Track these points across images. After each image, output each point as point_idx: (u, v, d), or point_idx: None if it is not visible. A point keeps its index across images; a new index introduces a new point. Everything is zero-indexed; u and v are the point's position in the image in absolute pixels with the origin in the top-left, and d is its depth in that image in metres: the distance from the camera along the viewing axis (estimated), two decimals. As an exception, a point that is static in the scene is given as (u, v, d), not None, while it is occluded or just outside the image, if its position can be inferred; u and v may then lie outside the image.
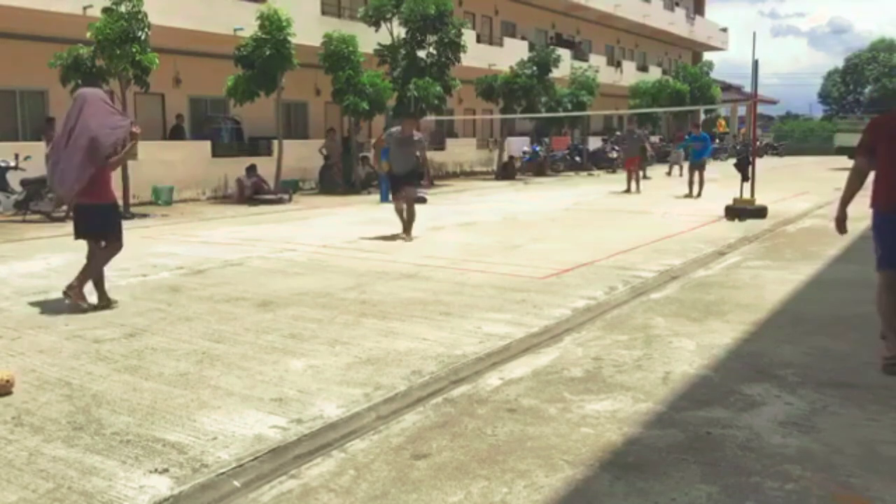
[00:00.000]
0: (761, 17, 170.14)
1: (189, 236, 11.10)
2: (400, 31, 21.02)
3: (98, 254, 6.22)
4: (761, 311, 6.19)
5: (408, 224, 10.41)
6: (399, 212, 10.51)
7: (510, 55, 27.58)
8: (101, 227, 6.21)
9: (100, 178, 6.05)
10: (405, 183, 10.42)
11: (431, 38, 20.90)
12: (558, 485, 3.13)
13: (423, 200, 16.59)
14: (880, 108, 51.46)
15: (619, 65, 39.78)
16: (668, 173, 26.00)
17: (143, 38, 12.93)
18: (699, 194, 16.72)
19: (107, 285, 6.27)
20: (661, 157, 30.45)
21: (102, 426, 3.70)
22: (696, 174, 17.11)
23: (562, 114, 26.42)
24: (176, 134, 19.11)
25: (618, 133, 22.19)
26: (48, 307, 6.19)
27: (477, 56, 25.60)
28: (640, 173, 19.75)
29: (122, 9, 12.87)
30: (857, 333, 5.51)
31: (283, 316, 5.97)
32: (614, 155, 28.09)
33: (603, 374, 4.57)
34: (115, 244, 6.29)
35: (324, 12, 22.10)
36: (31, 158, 13.31)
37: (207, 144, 18.47)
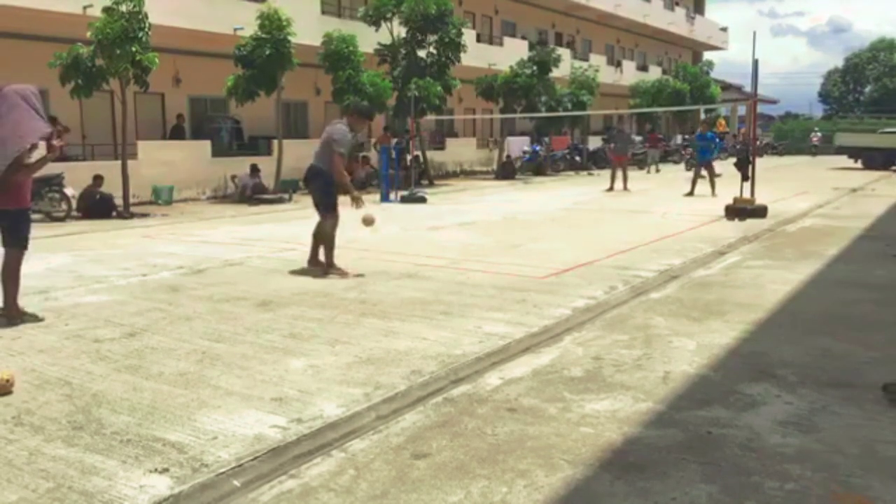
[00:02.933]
0: (760, 16, 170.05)
1: (189, 236, 11.10)
2: (400, 31, 21.03)
3: (7, 262, 5.77)
4: (761, 310, 6.19)
5: (327, 252, 7.68)
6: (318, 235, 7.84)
7: (510, 55, 27.58)
8: (8, 232, 5.70)
9: (11, 183, 5.52)
10: (319, 203, 7.68)
11: (432, 38, 20.91)
12: (558, 484, 3.13)
13: (422, 200, 16.63)
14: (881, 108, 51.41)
15: (619, 64, 39.79)
16: (648, 172, 27.69)
17: (143, 37, 12.93)
18: (713, 192, 16.29)
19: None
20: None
21: (102, 426, 3.70)
22: (705, 172, 16.89)
23: (562, 113, 26.44)
24: (176, 134, 19.07)
25: (615, 129, 22.28)
26: (47, 307, 6.18)
27: (477, 56, 25.61)
28: (629, 172, 19.84)
29: (123, 8, 12.87)
30: (858, 333, 5.50)
31: (283, 315, 5.97)
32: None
33: (603, 374, 4.57)
34: (18, 251, 5.78)
35: (324, 12, 22.11)
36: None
37: (207, 144, 18.46)
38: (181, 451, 3.39)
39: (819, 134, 43.10)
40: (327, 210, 7.66)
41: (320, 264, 7.80)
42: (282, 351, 4.98)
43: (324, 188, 7.62)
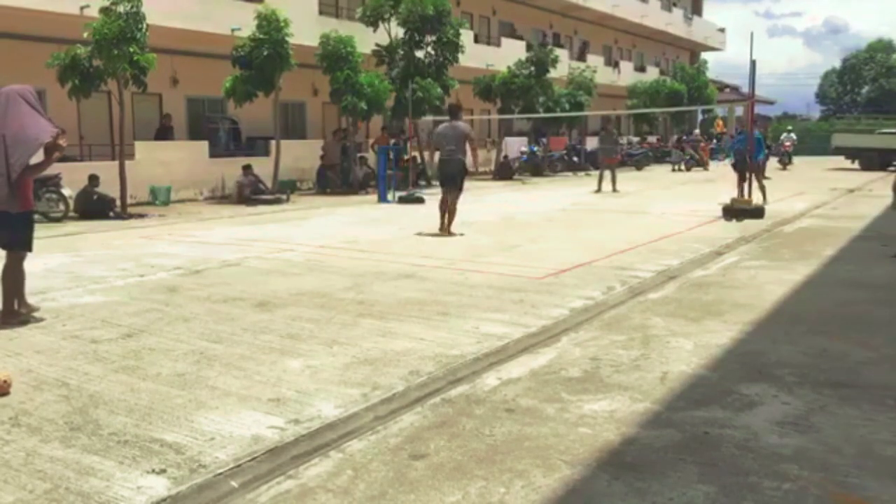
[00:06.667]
0: (757, 17, 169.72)
1: (186, 236, 11.08)
2: (398, 32, 21.02)
3: (8, 264, 5.73)
4: (759, 310, 6.20)
5: (451, 220, 11.03)
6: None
7: (508, 55, 27.59)
8: (8, 236, 5.64)
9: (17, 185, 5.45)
10: (456, 186, 11.05)
11: (430, 39, 20.91)
12: (556, 485, 3.14)
13: (420, 200, 16.61)
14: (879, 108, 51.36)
15: (616, 65, 39.80)
16: (674, 170, 29.12)
17: (140, 38, 12.92)
18: (763, 198, 14.44)
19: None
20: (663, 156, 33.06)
21: (100, 426, 3.70)
22: (754, 177, 14.25)
23: (559, 114, 26.44)
24: (162, 135, 18.40)
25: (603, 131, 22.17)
26: (45, 307, 6.16)
27: (475, 56, 25.60)
28: (617, 172, 19.78)
29: (120, 9, 12.86)
30: (855, 333, 5.51)
31: (281, 316, 5.97)
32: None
33: (601, 374, 4.57)
34: (21, 252, 5.71)
35: (321, 12, 22.09)
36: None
37: (205, 145, 18.43)
38: (179, 452, 3.39)
39: (793, 136, 32.42)
40: (461, 188, 11.09)
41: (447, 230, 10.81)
42: (279, 351, 4.97)
43: (463, 173, 11.10)
